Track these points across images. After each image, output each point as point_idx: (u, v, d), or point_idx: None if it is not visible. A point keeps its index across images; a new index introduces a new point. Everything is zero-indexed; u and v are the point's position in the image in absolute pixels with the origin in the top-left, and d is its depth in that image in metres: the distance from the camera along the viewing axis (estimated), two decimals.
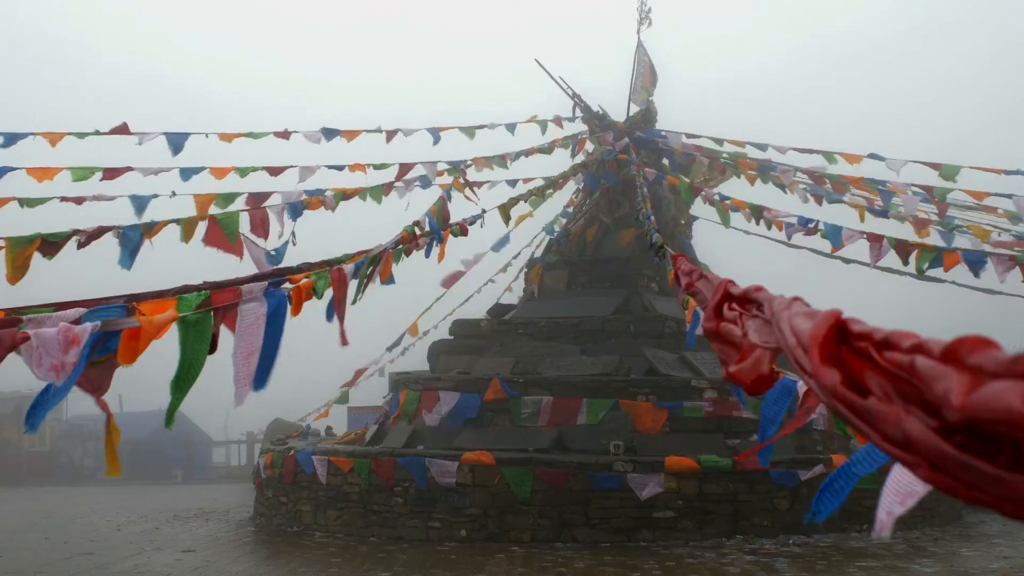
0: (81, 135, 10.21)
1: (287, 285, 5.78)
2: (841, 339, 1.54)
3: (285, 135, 11.74)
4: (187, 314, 4.62)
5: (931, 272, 10.94)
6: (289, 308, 5.41)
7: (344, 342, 6.59)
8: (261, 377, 5.04)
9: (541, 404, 12.08)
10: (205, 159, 11.00)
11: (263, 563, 9.66)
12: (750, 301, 2.30)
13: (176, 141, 10.62)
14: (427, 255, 9.90)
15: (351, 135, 12.43)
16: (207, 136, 11.05)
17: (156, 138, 10.60)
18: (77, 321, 4.71)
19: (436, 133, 13.36)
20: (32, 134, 9.98)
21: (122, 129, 10.23)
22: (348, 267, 6.79)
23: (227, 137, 11.45)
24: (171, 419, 4.65)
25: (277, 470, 12.59)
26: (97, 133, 10.21)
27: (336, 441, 14.83)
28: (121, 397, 31.91)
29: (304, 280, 5.98)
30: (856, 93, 62.15)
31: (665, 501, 10.51)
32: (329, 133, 12.20)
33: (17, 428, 27.73)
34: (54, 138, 10.01)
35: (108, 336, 4.19)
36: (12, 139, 9.78)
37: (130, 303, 5.08)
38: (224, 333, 4.96)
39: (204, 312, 4.67)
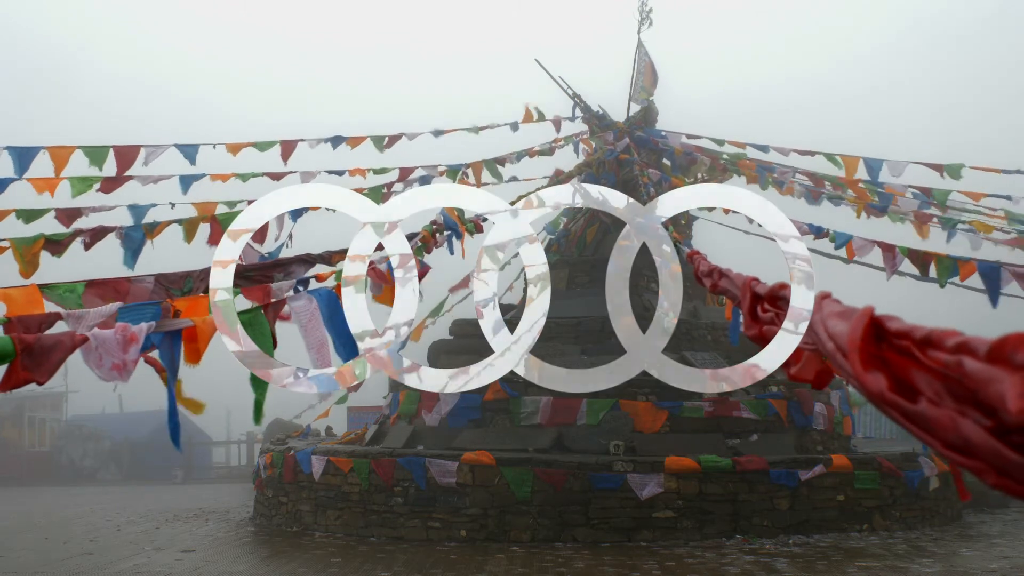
0: (90, 149, 10.16)
1: (321, 277, 5.88)
2: (879, 337, 1.48)
3: (291, 145, 11.74)
4: (239, 312, 4.66)
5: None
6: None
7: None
8: (349, 353, 5.19)
9: (541, 404, 12.09)
10: (206, 169, 11.02)
11: (263, 563, 9.66)
12: (779, 299, 2.30)
13: (189, 153, 10.67)
14: (451, 252, 9.89)
15: (356, 142, 12.47)
16: (215, 147, 11.07)
17: (165, 151, 10.58)
18: (114, 316, 4.76)
19: (439, 132, 13.42)
20: (41, 148, 9.96)
21: (131, 153, 10.21)
22: (382, 265, 6.79)
23: (234, 149, 11.45)
24: (259, 415, 4.74)
25: (277, 470, 12.59)
26: (99, 149, 10.17)
27: (336, 441, 14.83)
28: (121, 397, 31.99)
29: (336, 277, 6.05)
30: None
31: (665, 501, 10.52)
32: (336, 141, 12.24)
33: (17, 428, 27.76)
34: (64, 153, 9.97)
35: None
36: (26, 162, 9.76)
37: (165, 301, 5.15)
38: (287, 330, 5.06)
39: (255, 310, 4.74)
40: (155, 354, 4.26)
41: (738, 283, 3.02)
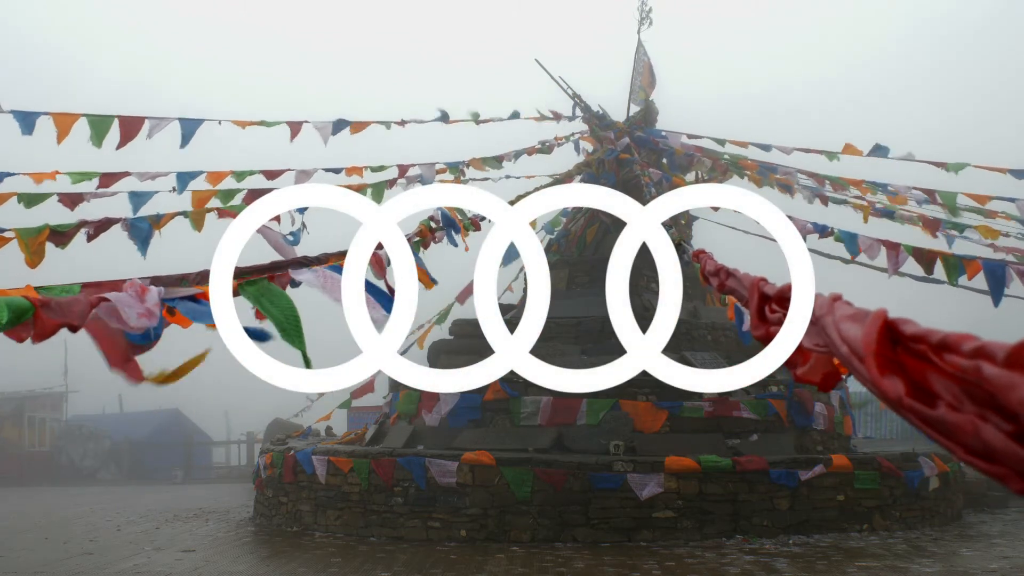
0: (95, 119, 10.04)
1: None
2: (894, 341, 1.46)
3: (297, 125, 11.67)
4: (244, 280, 4.57)
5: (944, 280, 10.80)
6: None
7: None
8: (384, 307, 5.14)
9: (541, 404, 12.08)
10: (205, 163, 10.97)
11: (263, 563, 9.66)
12: (789, 300, 2.28)
13: (189, 128, 10.47)
14: (454, 244, 9.86)
15: (359, 127, 12.39)
16: (220, 123, 10.94)
17: (169, 124, 10.42)
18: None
19: (446, 117, 13.36)
20: (46, 113, 9.83)
21: (136, 123, 10.10)
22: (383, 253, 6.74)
23: (242, 124, 11.34)
24: (309, 363, 4.59)
25: (277, 470, 12.59)
26: (104, 119, 10.05)
27: (336, 441, 14.83)
28: (121, 397, 31.97)
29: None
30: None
31: (665, 501, 10.51)
32: (339, 125, 12.12)
33: (17, 428, 27.75)
34: (68, 121, 9.80)
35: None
36: (30, 125, 9.61)
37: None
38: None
39: (259, 280, 4.64)
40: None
41: (746, 283, 3.02)
